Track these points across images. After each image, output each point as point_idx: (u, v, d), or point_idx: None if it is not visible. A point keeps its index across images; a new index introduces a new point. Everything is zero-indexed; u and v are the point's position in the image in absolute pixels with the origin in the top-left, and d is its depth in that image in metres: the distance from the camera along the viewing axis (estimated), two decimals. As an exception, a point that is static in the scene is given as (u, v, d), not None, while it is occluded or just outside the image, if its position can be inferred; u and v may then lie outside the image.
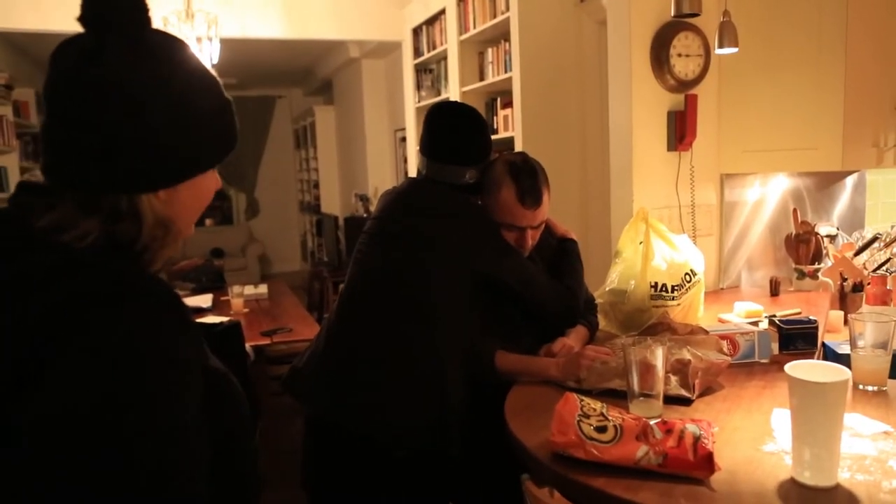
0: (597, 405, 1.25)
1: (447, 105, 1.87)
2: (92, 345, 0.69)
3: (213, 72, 0.86)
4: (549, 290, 1.79)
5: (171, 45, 0.81)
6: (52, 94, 0.77)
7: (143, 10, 0.79)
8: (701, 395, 1.51)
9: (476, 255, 1.68)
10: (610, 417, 1.20)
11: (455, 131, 1.78)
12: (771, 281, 2.61)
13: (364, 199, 7.00)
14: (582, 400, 1.26)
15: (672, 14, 2.13)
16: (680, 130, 2.52)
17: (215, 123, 0.85)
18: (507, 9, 3.62)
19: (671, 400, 1.46)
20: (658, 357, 1.37)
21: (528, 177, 1.73)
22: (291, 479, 3.28)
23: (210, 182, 0.87)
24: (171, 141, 0.79)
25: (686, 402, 1.47)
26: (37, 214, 0.77)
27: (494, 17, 3.79)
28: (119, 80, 0.76)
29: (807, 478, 1.08)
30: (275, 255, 9.93)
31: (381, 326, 1.64)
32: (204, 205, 0.87)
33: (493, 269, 1.71)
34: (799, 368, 1.10)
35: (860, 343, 1.51)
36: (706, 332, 1.76)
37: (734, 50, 2.27)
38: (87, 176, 0.76)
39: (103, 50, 0.75)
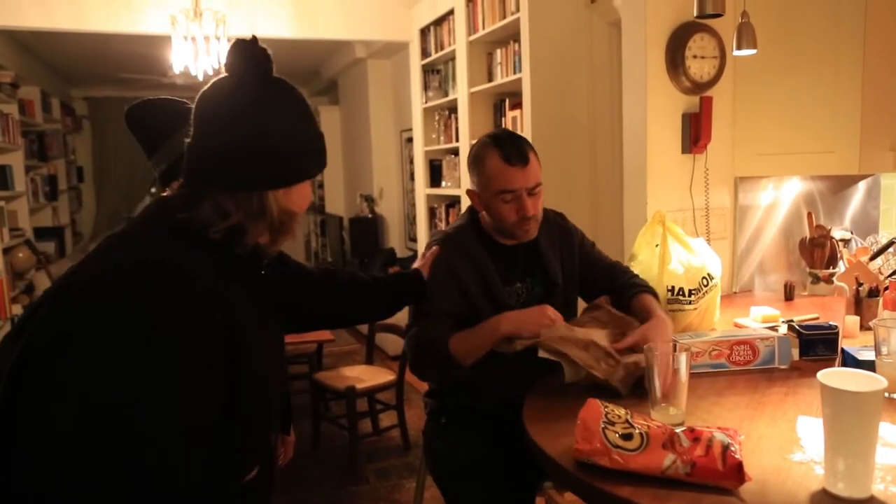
0: (621, 412, 1.23)
1: None
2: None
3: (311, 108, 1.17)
4: None
5: (288, 85, 1.13)
6: (202, 118, 1.10)
7: (269, 60, 1.10)
8: (723, 402, 1.49)
9: None
10: (636, 425, 1.18)
11: None
12: (785, 285, 2.58)
13: (369, 199, 6.97)
14: (606, 406, 1.24)
15: (695, 14, 2.09)
16: (694, 133, 2.50)
17: (317, 144, 1.15)
18: (517, 9, 3.59)
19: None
20: (682, 362, 1.35)
21: (510, 139, 1.74)
22: (300, 481, 3.26)
23: (308, 192, 1.15)
24: (288, 152, 1.10)
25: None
26: (173, 209, 1.09)
27: (504, 17, 3.76)
28: (251, 108, 1.08)
29: (840, 489, 1.05)
30: (278, 255, 9.91)
31: None
32: (304, 208, 1.15)
33: None
34: (832, 377, 1.07)
35: (884, 350, 1.49)
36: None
37: (753, 51, 2.25)
38: (229, 177, 1.08)
39: (241, 86, 1.08)
